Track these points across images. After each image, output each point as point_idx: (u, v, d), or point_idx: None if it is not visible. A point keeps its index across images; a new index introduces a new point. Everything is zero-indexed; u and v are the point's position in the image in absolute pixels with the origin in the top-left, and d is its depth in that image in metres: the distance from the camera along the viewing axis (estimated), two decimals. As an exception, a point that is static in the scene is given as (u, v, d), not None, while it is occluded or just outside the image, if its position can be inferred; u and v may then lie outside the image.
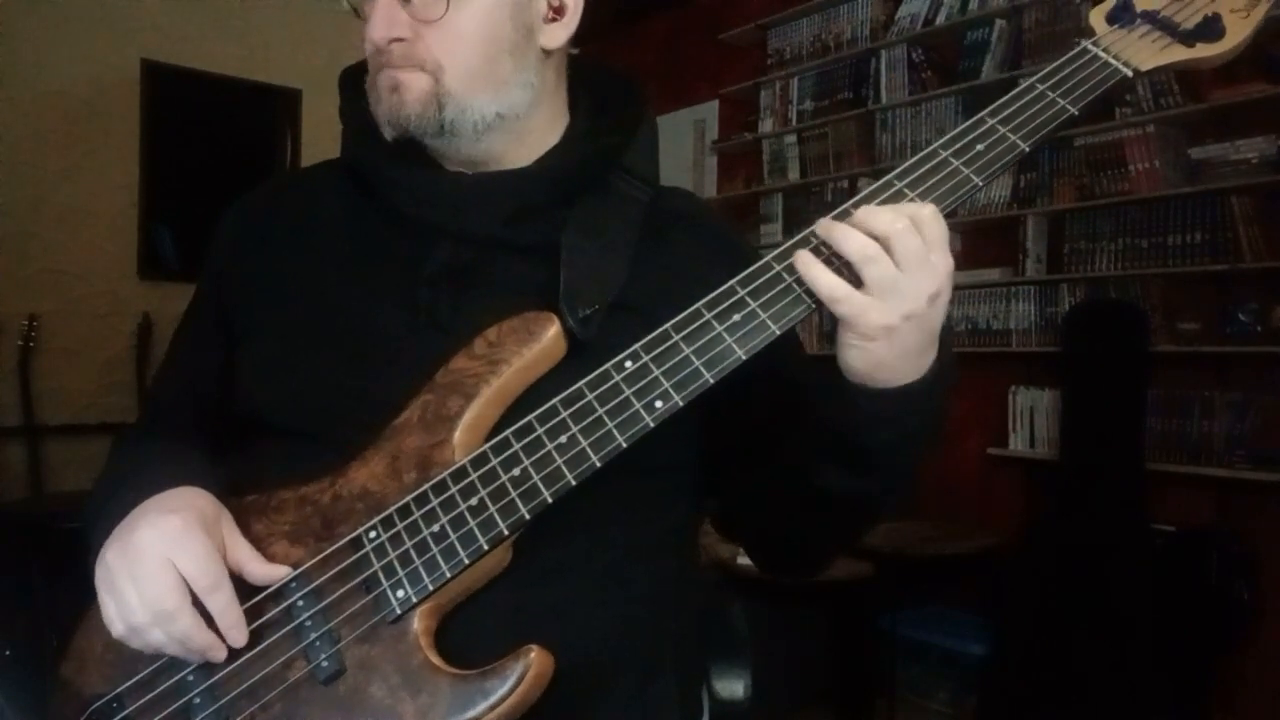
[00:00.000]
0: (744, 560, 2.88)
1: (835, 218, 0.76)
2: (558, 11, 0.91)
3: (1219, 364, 3.02)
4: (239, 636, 0.78)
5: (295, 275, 0.93)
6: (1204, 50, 0.86)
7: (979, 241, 3.71)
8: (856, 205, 0.77)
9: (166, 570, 0.76)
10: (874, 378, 0.76)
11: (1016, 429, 3.51)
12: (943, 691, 3.38)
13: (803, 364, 0.97)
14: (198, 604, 0.77)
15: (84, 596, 0.82)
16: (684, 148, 4.90)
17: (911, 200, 0.77)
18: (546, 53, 0.92)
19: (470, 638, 0.77)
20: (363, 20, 0.89)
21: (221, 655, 0.78)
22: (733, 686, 1.07)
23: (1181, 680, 2.88)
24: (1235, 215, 2.96)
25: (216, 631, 0.78)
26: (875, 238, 0.72)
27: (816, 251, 0.76)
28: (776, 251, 0.78)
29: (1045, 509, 3.27)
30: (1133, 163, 3.20)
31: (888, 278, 0.72)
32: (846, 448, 0.79)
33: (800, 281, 0.76)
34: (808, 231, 0.78)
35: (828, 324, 4.19)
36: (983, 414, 3.56)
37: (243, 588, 0.79)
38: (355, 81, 0.94)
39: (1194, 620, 2.86)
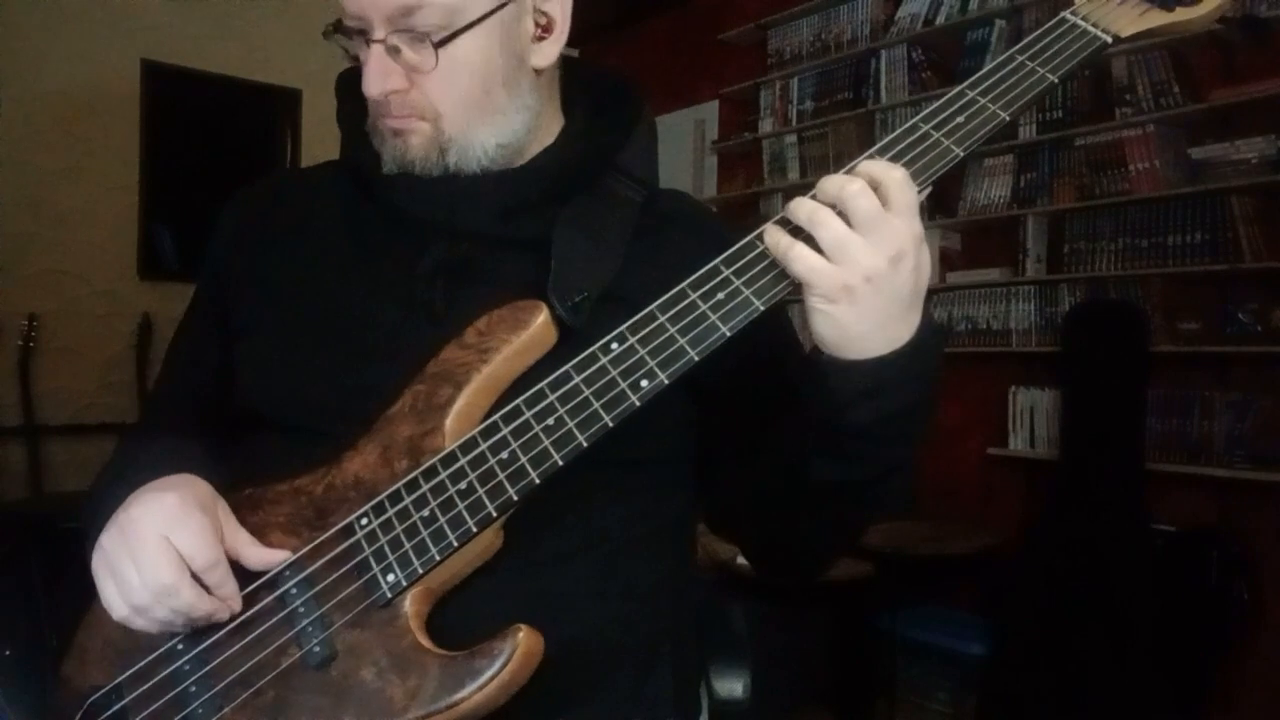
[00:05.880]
0: (744, 560, 2.87)
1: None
2: (545, 29, 0.90)
3: (1219, 364, 3.01)
4: (238, 609, 0.79)
5: (293, 271, 0.94)
6: (1184, 14, 0.85)
7: (979, 241, 3.71)
8: None
9: (164, 547, 0.76)
10: (844, 347, 0.75)
11: (1016, 429, 3.51)
12: (943, 691, 3.38)
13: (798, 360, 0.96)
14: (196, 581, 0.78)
15: (84, 596, 0.83)
16: (684, 148, 4.89)
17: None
18: (539, 71, 0.91)
19: (467, 627, 0.77)
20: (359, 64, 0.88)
21: (225, 615, 0.79)
22: (732, 686, 1.07)
23: (1181, 680, 2.87)
24: (1235, 215, 2.96)
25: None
26: (829, 203, 0.73)
27: (784, 223, 0.76)
28: (760, 230, 0.78)
29: (1045, 509, 3.26)
30: (1133, 163, 3.19)
31: (838, 239, 0.72)
32: (826, 431, 0.78)
33: None
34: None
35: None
36: (983, 414, 3.56)
37: (238, 575, 0.80)
38: (352, 84, 0.94)
39: (1194, 620, 2.86)
